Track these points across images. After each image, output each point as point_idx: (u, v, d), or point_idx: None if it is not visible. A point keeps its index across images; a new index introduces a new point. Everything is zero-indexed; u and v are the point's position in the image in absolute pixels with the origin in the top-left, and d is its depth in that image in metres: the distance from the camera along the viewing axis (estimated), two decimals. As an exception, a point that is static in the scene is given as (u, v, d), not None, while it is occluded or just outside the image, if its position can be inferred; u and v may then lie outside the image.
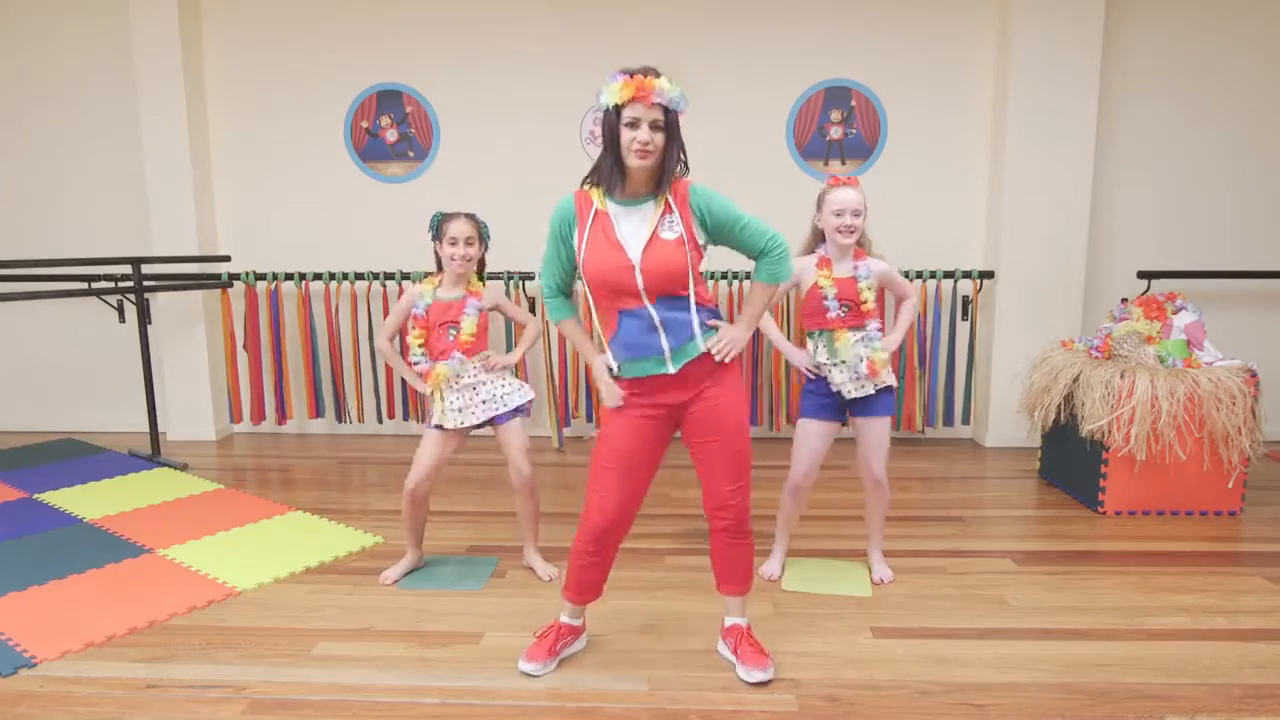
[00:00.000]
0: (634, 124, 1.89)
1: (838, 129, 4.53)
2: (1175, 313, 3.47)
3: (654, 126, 1.89)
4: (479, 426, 2.72)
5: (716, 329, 2.04)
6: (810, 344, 2.65)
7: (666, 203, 1.98)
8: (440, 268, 2.71)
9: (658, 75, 1.89)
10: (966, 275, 4.45)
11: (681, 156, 1.99)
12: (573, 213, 2.02)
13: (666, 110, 1.89)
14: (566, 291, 2.12)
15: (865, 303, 2.58)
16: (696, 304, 2.00)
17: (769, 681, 2.10)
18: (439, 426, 2.69)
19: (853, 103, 4.51)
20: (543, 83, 4.54)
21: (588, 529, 2.11)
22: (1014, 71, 4.26)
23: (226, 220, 4.80)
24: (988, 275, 4.46)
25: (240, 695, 2.06)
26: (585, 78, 4.45)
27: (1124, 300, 3.93)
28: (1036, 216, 4.34)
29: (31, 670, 2.18)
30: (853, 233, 2.55)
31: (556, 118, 4.57)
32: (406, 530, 2.77)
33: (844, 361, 2.56)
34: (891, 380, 2.61)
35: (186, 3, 4.49)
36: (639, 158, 1.90)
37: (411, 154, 4.69)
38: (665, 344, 1.99)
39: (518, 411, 2.74)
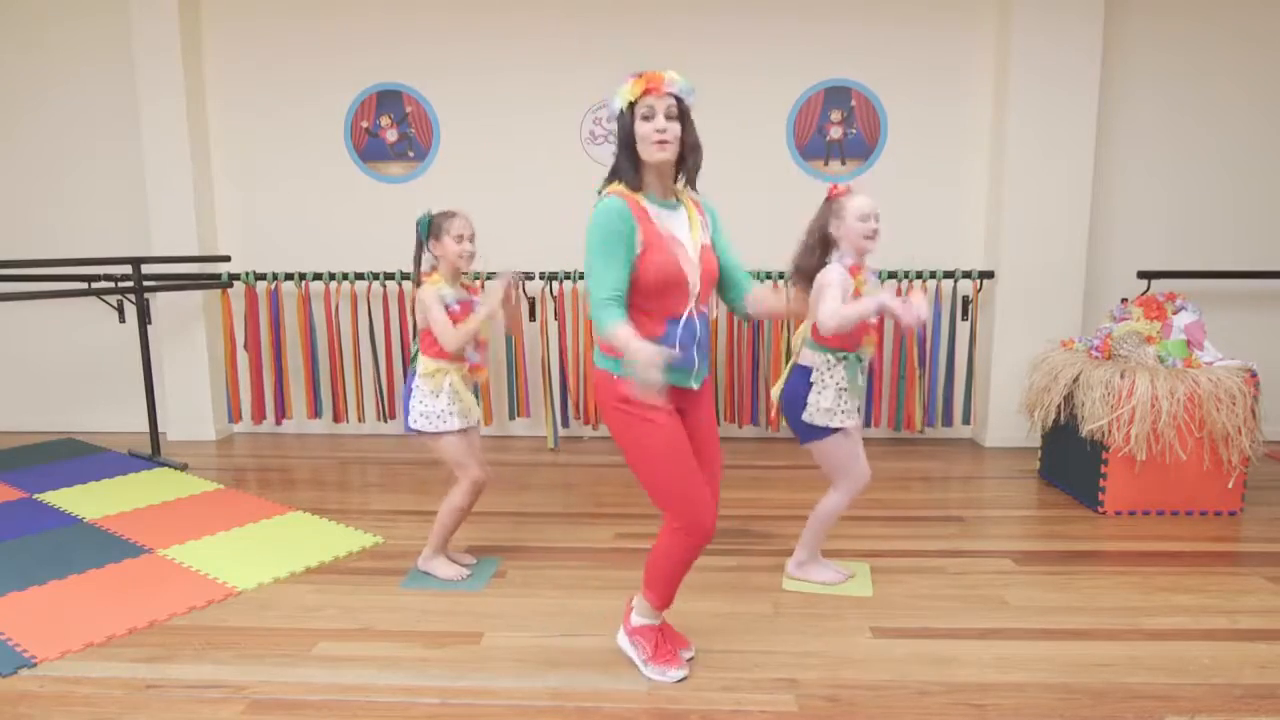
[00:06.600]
0: (649, 116, 1.88)
1: (838, 129, 4.53)
2: (1175, 313, 3.47)
3: (669, 115, 1.89)
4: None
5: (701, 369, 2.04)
6: (836, 368, 2.47)
7: (696, 204, 2.02)
8: (420, 268, 2.67)
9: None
10: (966, 275, 4.45)
11: (697, 155, 1.97)
12: (630, 212, 1.89)
13: (680, 101, 1.91)
14: (623, 298, 1.88)
15: None
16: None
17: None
18: (461, 430, 2.68)
19: (853, 103, 4.51)
20: (543, 82, 4.54)
21: (701, 535, 2.00)
22: (1014, 71, 4.25)
23: (226, 220, 4.80)
24: (988, 275, 4.46)
25: (240, 695, 2.06)
26: (585, 78, 4.47)
27: (1124, 300, 3.93)
28: (1036, 216, 4.34)
29: (31, 670, 2.18)
30: (879, 237, 2.50)
31: (556, 117, 4.56)
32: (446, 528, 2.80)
33: (860, 381, 2.50)
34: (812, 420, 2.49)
35: (187, 2, 4.49)
36: (658, 149, 1.89)
37: (411, 154, 4.69)
38: (697, 358, 1.99)
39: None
